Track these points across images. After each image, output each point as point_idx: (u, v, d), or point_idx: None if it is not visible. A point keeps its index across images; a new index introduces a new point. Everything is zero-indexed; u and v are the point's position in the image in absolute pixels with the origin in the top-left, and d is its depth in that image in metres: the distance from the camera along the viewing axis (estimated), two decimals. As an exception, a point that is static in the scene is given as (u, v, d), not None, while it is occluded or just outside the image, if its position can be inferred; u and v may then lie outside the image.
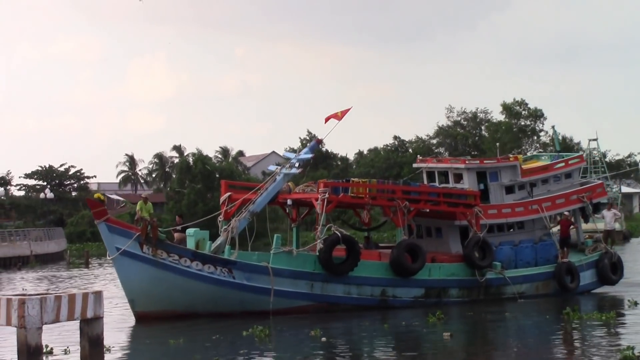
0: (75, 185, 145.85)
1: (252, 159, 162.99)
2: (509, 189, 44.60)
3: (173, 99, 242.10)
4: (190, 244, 38.70)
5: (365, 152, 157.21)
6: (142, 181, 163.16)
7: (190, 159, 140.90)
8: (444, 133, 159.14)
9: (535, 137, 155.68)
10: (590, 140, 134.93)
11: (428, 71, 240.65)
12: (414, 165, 47.94)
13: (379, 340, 32.42)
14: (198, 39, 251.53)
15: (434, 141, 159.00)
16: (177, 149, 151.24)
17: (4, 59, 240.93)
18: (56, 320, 23.23)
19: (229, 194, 41.37)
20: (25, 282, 61.93)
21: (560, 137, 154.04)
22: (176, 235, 40.68)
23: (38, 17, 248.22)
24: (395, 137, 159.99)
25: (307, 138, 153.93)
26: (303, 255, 39.13)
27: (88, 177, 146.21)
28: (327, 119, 41.46)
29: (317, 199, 39.24)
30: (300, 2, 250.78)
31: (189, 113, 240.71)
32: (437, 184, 44.84)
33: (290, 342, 32.35)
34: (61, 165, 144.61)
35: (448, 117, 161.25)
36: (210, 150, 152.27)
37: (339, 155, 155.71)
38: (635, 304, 38.82)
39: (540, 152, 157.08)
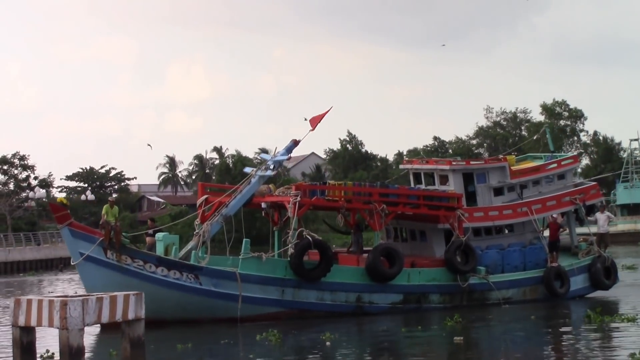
0: (116, 186, 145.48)
1: (292, 160, 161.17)
2: (498, 191, 42.48)
3: (211, 100, 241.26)
4: (160, 249, 37.25)
5: (404, 153, 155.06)
6: (182, 183, 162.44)
7: (230, 161, 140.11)
8: (483, 133, 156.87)
9: (576, 138, 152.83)
10: (631, 140, 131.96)
11: (467, 71, 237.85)
12: (400, 166, 46.15)
13: (389, 344, 31.50)
14: (235, 41, 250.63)
15: (474, 142, 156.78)
16: (217, 150, 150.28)
17: (43, 62, 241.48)
18: (98, 321, 23.32)
19: (205, 196, 39.93)
20: (65, 284, 61.72)
21: (601, 137, 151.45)
22: (148, 239, 39.34)
23: (77, 19, 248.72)
24: (435, 138, 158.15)
25: (347, 139, 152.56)
26: (273, 261, 37.47)
27: (128, 179, 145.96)
28: (312, 124, 39.87)
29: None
30: (337, 2, 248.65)
31: (227, 114, 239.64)
32: (423, 185, 42.89)
33: (302, 346, 31.37)
34: (102, 167, 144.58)
35: (487, 118, 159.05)
36: (250, 152, 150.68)
37: (378, 157, 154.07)
38: None
39: (580, 151, 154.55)
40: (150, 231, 39.56)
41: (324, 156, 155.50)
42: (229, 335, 32.83)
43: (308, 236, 36.94)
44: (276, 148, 39.75)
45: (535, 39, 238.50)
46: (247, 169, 40.80)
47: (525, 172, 43.07)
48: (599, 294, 43.28)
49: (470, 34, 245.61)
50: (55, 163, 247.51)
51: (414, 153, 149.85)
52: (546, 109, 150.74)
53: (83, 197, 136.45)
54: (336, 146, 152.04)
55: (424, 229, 41.50)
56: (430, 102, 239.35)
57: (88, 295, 23.92)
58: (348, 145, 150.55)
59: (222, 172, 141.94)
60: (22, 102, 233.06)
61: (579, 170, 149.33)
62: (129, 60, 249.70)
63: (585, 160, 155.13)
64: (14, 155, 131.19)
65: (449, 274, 39.47)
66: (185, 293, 35.90)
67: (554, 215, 41.95)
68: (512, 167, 42.72)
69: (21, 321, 23.86)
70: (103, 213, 36.40)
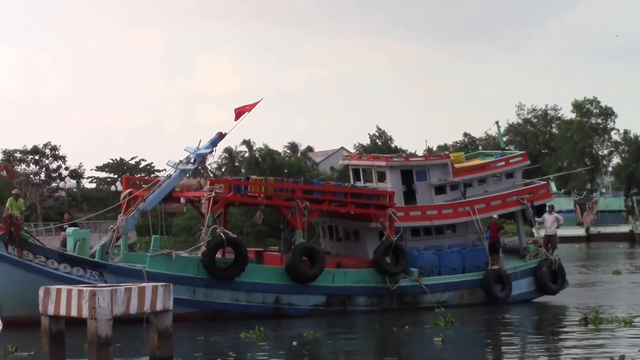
0: (146, 178, 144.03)
1: (321, 154, 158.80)
2: (440, 189, 39.48)
3: (240, 93, 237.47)
4: (70, 244, 34.83)
5: (434, 149, 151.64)
6: (211, 175, 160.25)
7: (258, 154, 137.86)
8: (514, 130, 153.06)
9: (607, 136, 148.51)
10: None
11: (498, 68, 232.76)
12: (339, 162, 43.39)
13: (366, 344, 29.88)
14: (265, 34, 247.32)
15: (504, 138, 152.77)
16: (247, 143, 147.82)
17: (74, 53, 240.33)
18: (126, 312, 23.04)
19: (129, 190, 37.48)
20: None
21: (632, 136, 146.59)
22: (62, 234, 36.96)
23: (107, 11, 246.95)
24: (465, 134, 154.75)
25: (376, 134, 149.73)
26: (184, 259, 34.88)
27: (158, 171, 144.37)
28: (237, 115, 37.36)
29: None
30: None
31: (257, 108, 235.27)
32: (362, 182, 40.06)
33: (277, 344, 29.58)
34: (132, 159, 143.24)
35: (518, 115, 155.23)
36: (279, 146, 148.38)
37: (407, 152, 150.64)
38: None
39: (611, 150, 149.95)
40: (66, 225, 37.17)
41: (353, 151, 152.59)
42: (207, 330, 31.48)
43: (221, 233, 34.39)
44: (200, 141, 37.09)
45: (566, 35, 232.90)
46: (170, 162, 38.28)
47: (470, 170, 40.04)
48: (546, 298, 40.16)
49: (500, 29, 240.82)
50: (86, 154, 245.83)
51: (443, 149, 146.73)
52: (577, 107, 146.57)
53: (113, 188, 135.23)
54: (366, 141, 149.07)
55: (357, 228, 38.68)
56: (461, 98, 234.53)
57: (117, 286, 23.76)
58: (377, 141, 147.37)
59: (251, 166, 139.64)
60: (53, 93, 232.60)
61: (610, 169, 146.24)
62: (158, 52, 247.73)
63: (616, 159, 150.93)
64: (45, 146, 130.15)
65: (377, 275, 36.65)
66: None
67: (495, 216, 38.87)
68: (455, 165, 39.65)
69: (50, 310, 23.87)
70: (7, 206, 34.23)
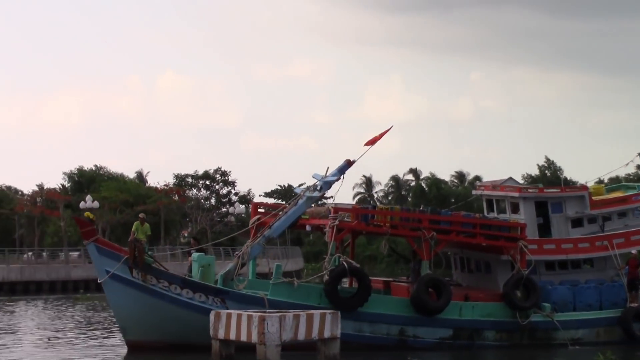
0: (313, 205, 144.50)
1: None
2: (577, 222, 37.71)
3: (408, 121, 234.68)
4: (195, 270, 34.71)
5: (606, 181, 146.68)
6: (378, 203, 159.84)
7: (424, 184, 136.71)
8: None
9: None
10: None
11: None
12: (473, 192, 42.00)
13: None
14: (432, 62, 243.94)
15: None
16: (413, 172, 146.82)
17: (244, 80, 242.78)
18: (294, 338, 23.53)
19: (258, 216, 37.26)
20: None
21: None
22: (190, 259, 36.84)
23: (276, 38, 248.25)
24: (639, 167, 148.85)
25: (545, 165, 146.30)
26: (306, 287, 34.22)
27: (325, 198, 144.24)
28: (367, 143, 36.59)
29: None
30: (536, 27, 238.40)
31: (425, 136, 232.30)
32: (495, 213, 38.64)
33: None
34: (299, 185, 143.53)
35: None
36: (446, 175, 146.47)
37: (578, 183, 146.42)
38: None
39: None
40: (193, 250, 37.10)
41: (521, 181, 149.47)
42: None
43: (344, 262, 33.62)
44: (328, 168, 36.48)
45: None
46: (298, 189, 37.91)
47: (609, 203, 38.13)
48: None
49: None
50: (255, 179, 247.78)
51: (616, 181, 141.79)
52: None
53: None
54: (534, 172, 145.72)
55: (488, 260, 37.29)
56: (633, 129, 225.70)
57: (285, 312, 23.96)
58: (546, 171, 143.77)
59: (416, 195, 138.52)
60: (223, 120, 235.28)
61: None
62: (327, 80, 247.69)
63: None
64: (215, 171, 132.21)
65: (507, 309, 35.16)
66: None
67: (634, 252, 36.79)
68: (594, 197, 37.80)
69: (221, 334, 24.85)
70: (133, 230, 34.23)
